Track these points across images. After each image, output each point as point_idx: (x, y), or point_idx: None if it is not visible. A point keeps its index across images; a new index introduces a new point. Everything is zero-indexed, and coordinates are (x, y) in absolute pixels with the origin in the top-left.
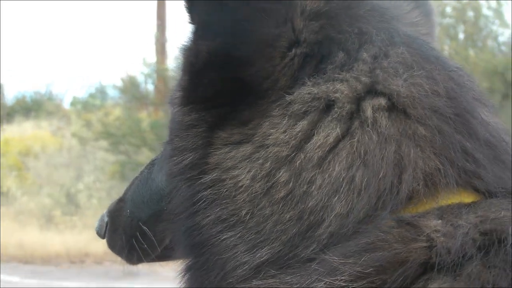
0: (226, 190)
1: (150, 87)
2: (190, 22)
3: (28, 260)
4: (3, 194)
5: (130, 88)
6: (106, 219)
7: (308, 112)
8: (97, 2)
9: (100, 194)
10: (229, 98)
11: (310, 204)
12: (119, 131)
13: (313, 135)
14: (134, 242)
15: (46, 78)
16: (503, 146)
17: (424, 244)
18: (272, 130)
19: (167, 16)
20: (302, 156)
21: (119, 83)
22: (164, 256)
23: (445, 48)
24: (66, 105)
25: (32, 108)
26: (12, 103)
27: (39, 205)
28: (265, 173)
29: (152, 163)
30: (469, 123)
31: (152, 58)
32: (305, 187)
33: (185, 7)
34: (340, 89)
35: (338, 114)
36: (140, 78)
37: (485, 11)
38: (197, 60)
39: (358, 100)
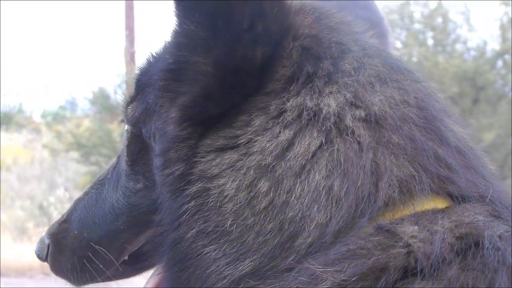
0: (212, 201)
1: (120, 98)
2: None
3: (2, 272)
4: None
5: (100, 99)
6: (47, 241)
7: (294, 122)
8: (66, 13)
9: None
10: (222, 107)
11: (290, 215)
12: (90, 142)
13: (295, 144)
14: (86, 263)
15: (16, 91)
16: (472, 152)
17: (403, 250)
18: (258, 137)
19: (136, 27)
20: (283, 165)
21: (89, 95)
22: (121, 273)
23: (414, 54)
24: (37, 117)
25: (2, 120)
26: None
27: (12, 217)
28: (248, 182)
29: (100, 183)
30: (439, 131)
31: (122, 69)
32: (284, 196)
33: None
34: (327, 102)
35: (321, 125)
36: (110, 89)
37: (453, 16)
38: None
39: (340, 112)
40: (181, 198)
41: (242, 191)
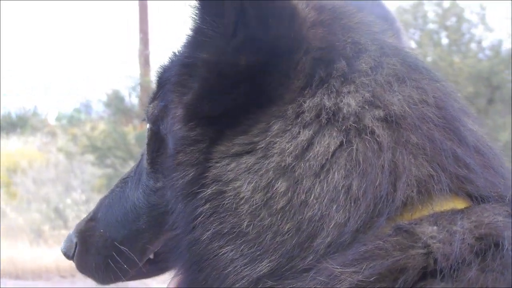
0: (227, 203)
1: (135, 100)
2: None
3: (19, 275)
4: None
5: (115, 101)
6: (74, 240)
7: (313, 122)
8: (80, 16)
9: (88, 208)
10: (235, 110)
11: (308, 214)
12: (104, 145)
13: (315, 144)
14: (111, 262)
15: (31, 93)
16: (491, 152)
17: (422, 251)
18: (277, 139)
19: (150, 30)
20: (303, 165)
21: (104, 97)
22: (145, 273)
23: (429, 54)
24: (52, 120)
25: (17, 124)
26: None
27: (28, 220)
28: (265, 183)
29: (124, 181)
30: (458, 131)
31: (136, 72)
32: (303, 196)
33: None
34: (346, 101)
35: (341, 124)
36: (124, 92)
37: (468, 15)
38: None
39: (359, 112)
40: (195, 201)
41: (259, 192)
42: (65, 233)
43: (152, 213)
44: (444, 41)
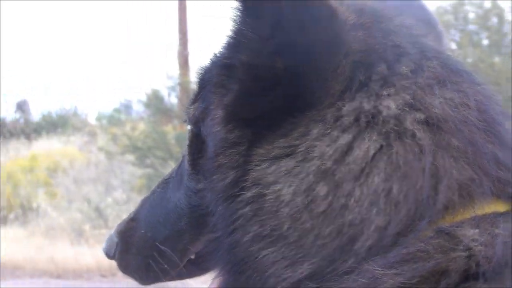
0: (268, 206)
1: (174, 100)
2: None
3: (60, 274)
4: (33, 210)
5: (154, 101)
6: (115, 239)
7: (352, 125)
8: (120, 18)
9: (128, 208)
10: (273, 113)
11: (349, 218)
12: (145, 145)
13: (354, 148)
14: (152, 262)
15: (71, 93)
16: None
17: (463, 254)
18: (317, 143)
19: (189, 30)
20: (343, 169)
21: (143, 97)
22: (186, 273)
23: (469, 56)
24: (92, 120)
25: (58, 123)
26: (38, 119)
27: (69, 220)
28: (305, 187)
29: (165, 182)
30: (499, 134)
31: (175, 72)
32: (343, 200)
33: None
34: (386, 104)
35: (381, 128)
36: (164, 92)
37: (509, 16)
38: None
39: (400, 115)
40: (235, 204)
41: (299, 196)
42: (106, 232)
43: (193, 214)
44: (485, 42)
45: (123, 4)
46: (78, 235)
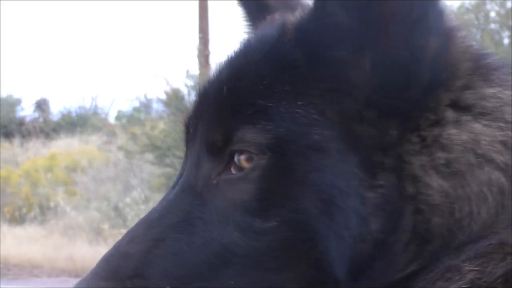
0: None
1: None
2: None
3: (78, 273)
4: (52, 209)
5: (174, 100)
6: None
7: (476, 118)
8: (139, 16)
9: (147, 207)
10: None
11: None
12: (164, 144)
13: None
14: None
15: (91, 92)
16: None
17: None
18: (451, 130)
19: (210, 30)
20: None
21: (163, 96)
22: None
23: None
24: (111, 119)
25: (77, 123)
26: (57, 118)
27: (88, 219)
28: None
29: (187, 223)
30: None
31: (196, 71)
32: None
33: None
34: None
35: (504, 121)
36: (184, 91)
37: None
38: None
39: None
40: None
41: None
42: (124, 231)
43: (246, 259)
44: (506, 41)
45: (147, 2)
46: (96, 234)
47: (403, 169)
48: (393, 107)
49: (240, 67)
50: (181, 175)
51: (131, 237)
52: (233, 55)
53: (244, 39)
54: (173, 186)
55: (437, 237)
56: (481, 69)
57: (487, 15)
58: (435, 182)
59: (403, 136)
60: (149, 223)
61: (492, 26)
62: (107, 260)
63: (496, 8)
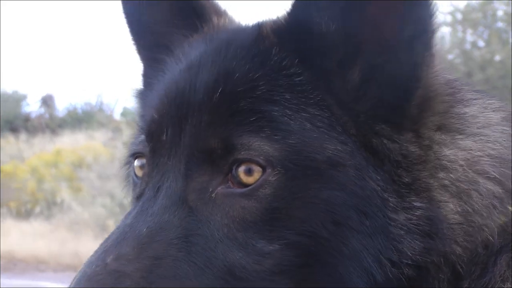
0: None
1: None
2: None
3: None
4: (57, 204)
5: None
6: None
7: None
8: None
9: None
10: None
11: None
12: None
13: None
14: None
15: (96, 89)
16: None
17: None
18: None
19: None
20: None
21: None
22: None
23: (497, 53)
24: (117, 115)
25: (83, 119)
26: (63, 114)
27: (93, 215)
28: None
29: (186, 240)
30: None
31: None
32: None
33: None
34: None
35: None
36: None
37: None
38: None
39: None
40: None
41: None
42: None
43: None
44: None
45: None
46: (102, 229)
47: (428, 190)
48: (399, 122)
49: (227, 68)
50: (146, 187)
51: (117, 254)
52: (208, 52)
53: (210, 37)
54: (137, 198)
55: (462, 256)
56: (456, 90)
57: (494, 14)
58: (450, 201)
59: (425, 154)
60: (138, 239)
61: (499, 24)
62: (91, 279)
63: (503, 6)
